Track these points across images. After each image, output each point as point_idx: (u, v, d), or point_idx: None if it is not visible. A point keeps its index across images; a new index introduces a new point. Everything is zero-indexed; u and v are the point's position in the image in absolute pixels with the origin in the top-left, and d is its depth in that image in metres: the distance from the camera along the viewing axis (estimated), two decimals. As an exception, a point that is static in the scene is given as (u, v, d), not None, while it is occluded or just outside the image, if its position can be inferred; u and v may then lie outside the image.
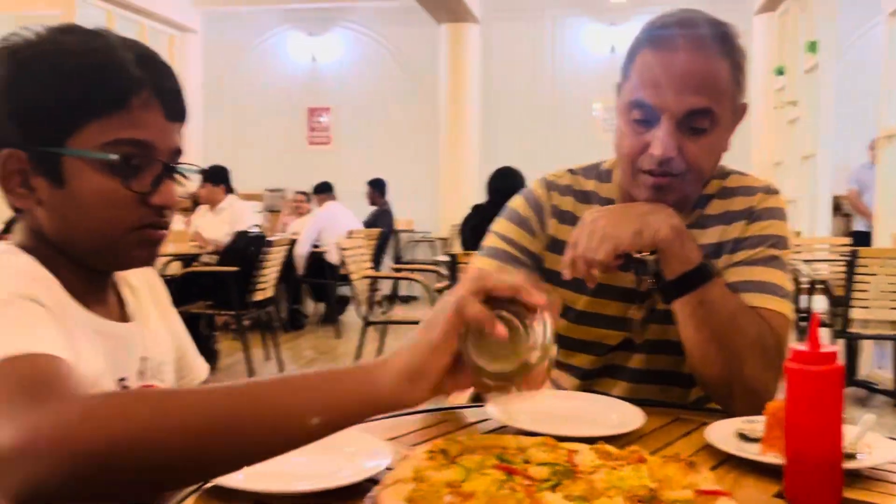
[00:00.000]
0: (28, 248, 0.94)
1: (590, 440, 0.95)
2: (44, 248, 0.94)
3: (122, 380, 0.99)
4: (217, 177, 5.91)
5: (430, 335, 0.75)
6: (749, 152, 8.44)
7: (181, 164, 0.99)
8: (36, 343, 0.75)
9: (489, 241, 1.41)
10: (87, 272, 0.98)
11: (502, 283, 0.76)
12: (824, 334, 4.73)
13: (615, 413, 1.15)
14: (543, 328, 0.78)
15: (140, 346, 1.04)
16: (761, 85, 8.65)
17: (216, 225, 5.80)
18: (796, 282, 5.20)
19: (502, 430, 1.10)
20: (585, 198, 1.40)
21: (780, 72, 8.10)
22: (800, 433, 0.86)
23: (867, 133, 6.78)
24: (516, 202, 1.43)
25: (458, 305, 0.75)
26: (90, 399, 0.70)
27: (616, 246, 1.16)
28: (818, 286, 4.93)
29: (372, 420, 1.18)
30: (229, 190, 6.02)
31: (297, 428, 0.73)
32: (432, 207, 9.26)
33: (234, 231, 5.38)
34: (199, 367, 1.21)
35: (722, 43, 1.21)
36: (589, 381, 1.39)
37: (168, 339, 1.13)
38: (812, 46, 6.96)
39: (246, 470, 0.90)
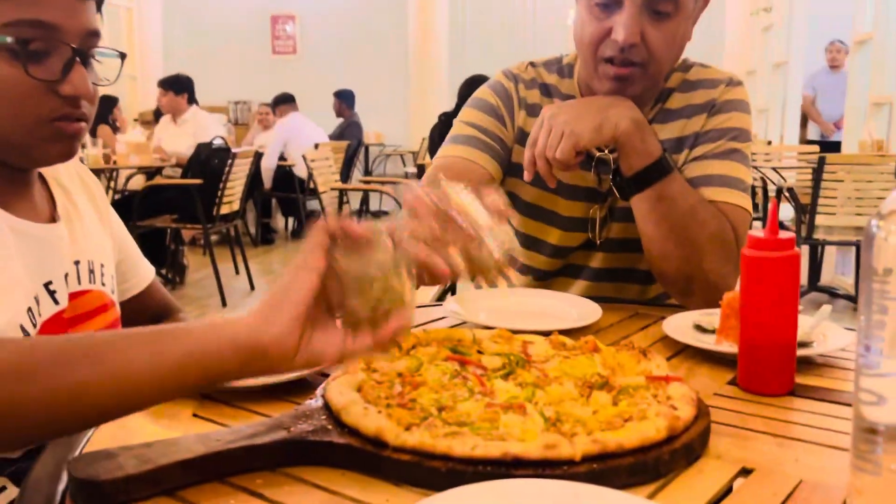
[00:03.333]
0: None
1: (546, 333, 0.94)
2: None
3: (48, 284, 0.92)
4: (179, 86, 5.72)
5: (292, 265, 0.67)
6: (721, 61, 8.35)
7: (97, 48, 0.89)
8: None
9: (458, 129, 1.35)
10: (4, 169, 0.90)
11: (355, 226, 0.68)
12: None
13: (573, 308, 1.15)
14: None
15: (70, 249, 0.97)
16: (737, -9, 8.51)
17: (179, 137, 5.66)
18: (764, 189, 5.24)
19: (460, 326, 1.09)
20: (547, 91, 1.36)
21: (756, -23, 7.95)
22: (754, 319, 0.86)
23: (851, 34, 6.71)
24: (483, 92, 1.38)
25: (319, 223, 0.68)
26: None
27: (576, 142, 1.12)
28: (785, 193, 4.96)
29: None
30: (192, 101, 5.85)
31: (140, 382, 0.63)
32: (403, 120, 9.12)
33: (196, 143, 5.25)
34: (144, 270, 1.16)
35: None
36: (547, 281, 1.39)
37: (107, 241, 1.07)
38: (788, -51, 6.81)
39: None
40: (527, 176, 1.18)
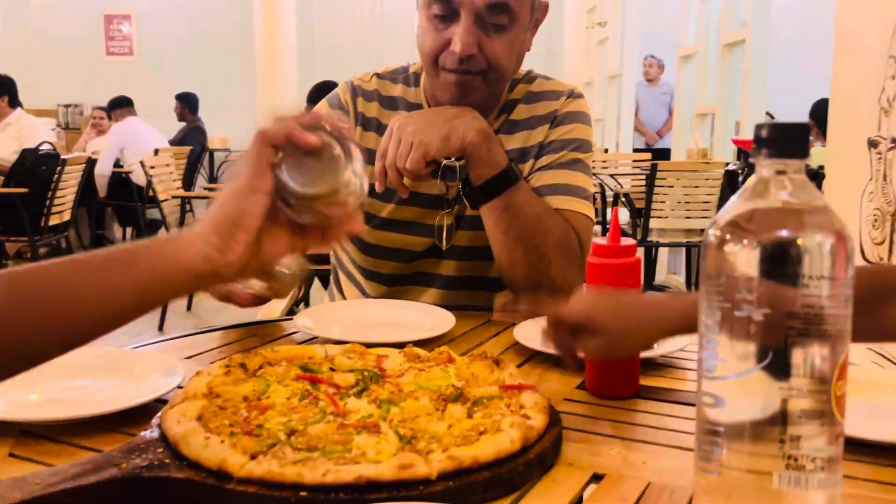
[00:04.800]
0: None
1: (400, 345, 0.92)
2: None
3: None
4: (-1, 88, 5.27)
5: (237, 179, 0.66)
6: (562, 73, 8.72)
7: None
8: None
9: None
10: None
11: (304, 114, 0.69)
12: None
13: (427, 318, 1.14)
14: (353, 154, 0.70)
15: None
16: (573, 5, 8.91)
17: (2, 142, 5.20)
18: (603, 195, 5.50)
19: (312, 341, 1.05)
20: (392, 104, 1.36)
21: (591, -8, 8.35)
22: (601, 325, 0.88)
23: (671, 54, 7.20)
24: (320, 107, 1.37)
25: (261, 132, 0.66)
26: None
27: (425, 153, 1.13)
28: (621, 199, 5.24)
29: (170, 339, 1.11)
30: (15, 103, 5.40)
31: (94, 319, 0.62)
32: (250, 124, 8.84)
33: (22, 149, 4.85)
34: None
35: None
36: (398, 289, 1.37)
37: None
38: (620, -33, 7.20)
39: (20, 398, 0.80)
40: (378, 187, 1.17)
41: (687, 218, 4.51)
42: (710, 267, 0.55)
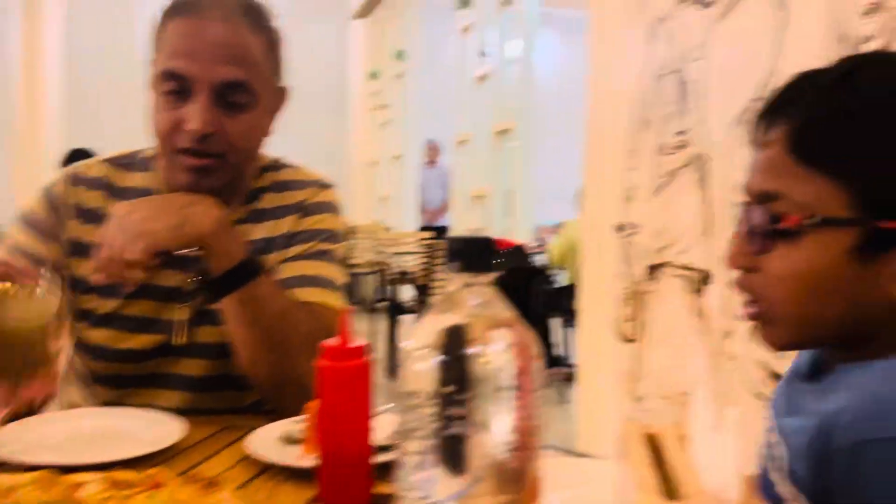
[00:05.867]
0: None
1: (108, 466, 0.81)
2: None
3: None
4: None
5: None
6: (348, 153, 8.86)
7: None
8: None
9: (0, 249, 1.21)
10: None
11: None
12: (410, 320, 5.14)
13: (150, 429, 1.02)
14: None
15: None
16: (358, 88, 9.15)
17: None
18: (385, 273, 5.56)
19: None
20: (121, 192, 1.25)
21: (375, 75, 8.64)
22: (331, 431, 0.83)
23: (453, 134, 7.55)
24: (33, 201, 1.24)
25: None
26: None
27: (153, 243, 1.05)
28: (406, 276, 5.32)
29: None
30: None
31: None
32: (3, 193, 8.02)
33: None
34: None
35: (256, 18, 1.17)
36: (127, 392, 1.24)
37: None
38: (400, 55, 7.53)
39: None
40: (96, 279, 1.06)
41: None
42: (406, 386, 0.52)
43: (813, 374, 0.76)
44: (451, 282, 0.52)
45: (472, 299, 0.52)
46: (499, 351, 0.50)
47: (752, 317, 0.74)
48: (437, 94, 8.45)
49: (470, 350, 0.49)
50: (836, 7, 1.72)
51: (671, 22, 2.37)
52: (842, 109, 0.67)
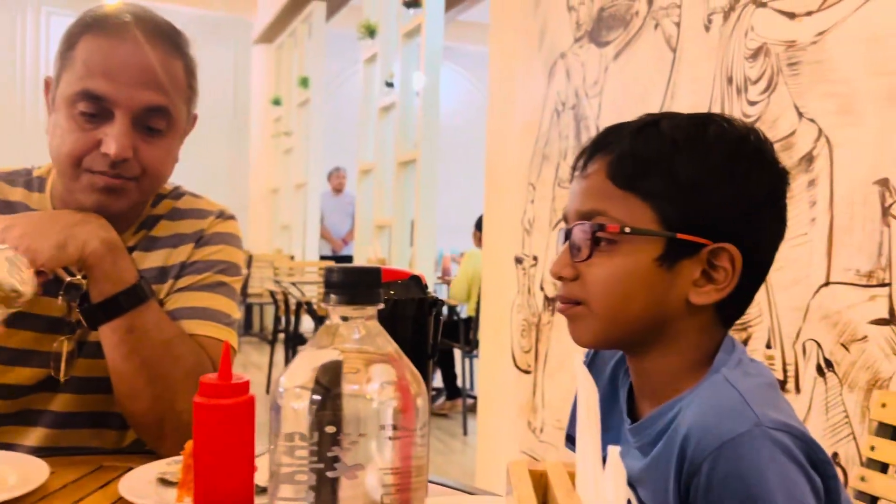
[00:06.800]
0: None
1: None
2: None
3: None
4: None
5: None
6: (248, 180, 8.67)
7: None
8: None
9: None
10: None
11: None
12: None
13: (15, 470, 0.94)
14: None
15: None
16: (260, 114, 9.01)
17: None
18: (286, 303, 5.43)
19: None
20: (9, 207, 1.17)
21: (278, 102, 8.52)
22: (209, 473, 0.78)
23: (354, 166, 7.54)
24: None
25: None
26: None
27: (32, 261, 0.98)
28: (304, 307, 5.22)
29: None
30: None
31: None
32: None
33: None
34: None
35: (175, 42, 1.14)
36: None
37: None
38: (304, 82, 7.46)
39: None
40: None
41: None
42: (280, 427, 0.49)
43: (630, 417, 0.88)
44: (330, 314, 0.50)
45: (353, 333, 0.49)
46: (379, 388, 0.47)
47: (566, 313, 0.85)
48: (342, 122, 8.44)
49: (347, 388, 0.47)
50: (723, 50, 1.80)
51: (569, 59, 2.44)
52: (648, 146, 0.82)
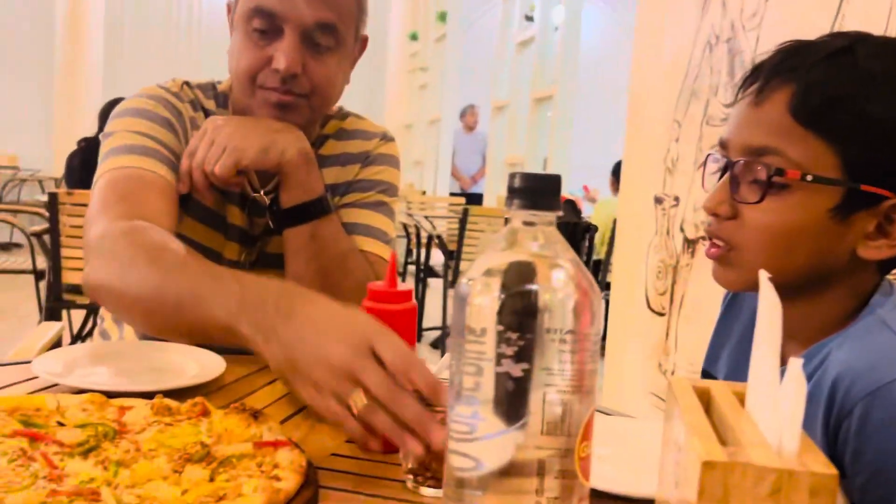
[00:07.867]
0: None
1: (153, 395, 0.82)
2: None
3: None
4: None
5: None
6: (383, 114, 8.81)
7: None
8: None
9: (124, 139, 1.13)
10: None
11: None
12: (437, 284, 5.15)
13: (193, 363, 1.03)
14: None
15: None
16: (397, 49, 9.08)
17: None
18: (418, 236, 5.55)
19: (51, 389, 0.92)
20: (208, 114, 1.25)
21: (415, 37, 8.56)
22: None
23: (487, 104, 7.51)
24: (145, 103, 1.18)
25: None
26: None
27: (238, 159, 1.06)
28: (435, 240, 5.31)
29: None
30: None
31: None
32: (43, 141, 8.14)
33: None
34: None
35: None
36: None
37: None
38: (442, 16, 7.44)
39: None
40: (181, 188, 1.09)
41: (496, 262, 4.63)
42: (463, 320, 0.52)
43: None
44: (512, 218, 0.52)
45: (533, 238, 0.51)
46: (563, 289, 0.49)
47: (716, 257, 0.79)
48: (476, 60, 8.39)
49: (532, 288, 0.49)
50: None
51: (726, -10, 2.31)
52: (842, 79, 0.72)
